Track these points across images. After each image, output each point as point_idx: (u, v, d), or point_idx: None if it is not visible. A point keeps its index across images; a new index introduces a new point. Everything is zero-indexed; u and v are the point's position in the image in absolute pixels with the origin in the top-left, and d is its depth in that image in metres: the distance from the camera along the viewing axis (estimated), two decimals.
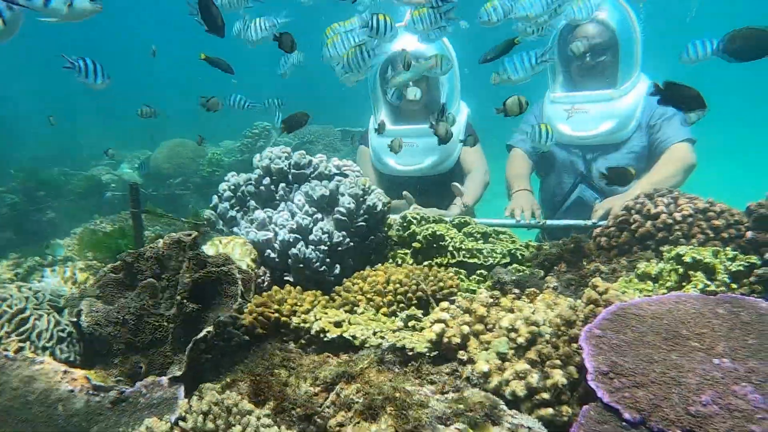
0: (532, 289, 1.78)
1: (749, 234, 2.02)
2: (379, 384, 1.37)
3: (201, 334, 1.58)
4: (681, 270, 1.80)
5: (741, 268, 1.80)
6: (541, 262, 2.20)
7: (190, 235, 1.81)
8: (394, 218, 2.51)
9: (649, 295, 1.70)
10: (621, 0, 3.41)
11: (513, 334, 1.54)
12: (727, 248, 1.94)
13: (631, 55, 3.32)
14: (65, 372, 1.54)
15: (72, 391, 1.53)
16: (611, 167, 2.78)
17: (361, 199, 2.27)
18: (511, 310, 1.67)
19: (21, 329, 1.76)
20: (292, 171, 2.35)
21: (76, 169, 7.25)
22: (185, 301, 1.65)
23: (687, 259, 1.78)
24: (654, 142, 3.32)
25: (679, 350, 1.32)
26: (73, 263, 2.72)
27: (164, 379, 1.57)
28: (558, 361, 1.43)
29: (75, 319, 1.76)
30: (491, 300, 1.71)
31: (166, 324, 1.74)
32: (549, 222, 2.83)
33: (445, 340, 1.61)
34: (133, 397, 1.54)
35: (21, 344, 1.72)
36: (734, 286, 1.77)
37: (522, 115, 3.15)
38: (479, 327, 1.63)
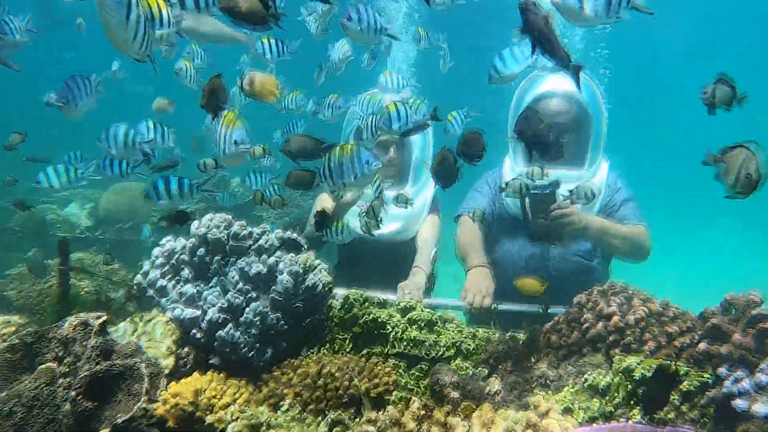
0: (468, 402, 1.63)
1: (702, 345, 1.92)
2: None
3: None
4: (630, 387, 1.68)
5: (692, 388, 1.69)
6: (486, 359, 2.07)
7: (99, 317, 1.64)
8: (336, 292, 2.36)
9: (594, 417, 1.57)
10: (588, 76, 3.32)
11: None
12: (680, 362, 1.83)
13: (597, 135, 3.24)
14: None
15: None
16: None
17: (301, 278, 2.12)
18: (444, 425, 1.52)
19: None
20: (231, 243, 2.19)
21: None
22: (80, 398, 1.46)
23: (636, 375, 1.66)
24: (614, 219, 3.21)
25: None
26: None
27: None
28: None
29: None
30: (423, 412, 1.56)
31: (60, 418, 1.55)
32: (501, 306, 2.70)
33: None
34: None
35: None
36: (684, 408, 1.65)
37: None
38: None
